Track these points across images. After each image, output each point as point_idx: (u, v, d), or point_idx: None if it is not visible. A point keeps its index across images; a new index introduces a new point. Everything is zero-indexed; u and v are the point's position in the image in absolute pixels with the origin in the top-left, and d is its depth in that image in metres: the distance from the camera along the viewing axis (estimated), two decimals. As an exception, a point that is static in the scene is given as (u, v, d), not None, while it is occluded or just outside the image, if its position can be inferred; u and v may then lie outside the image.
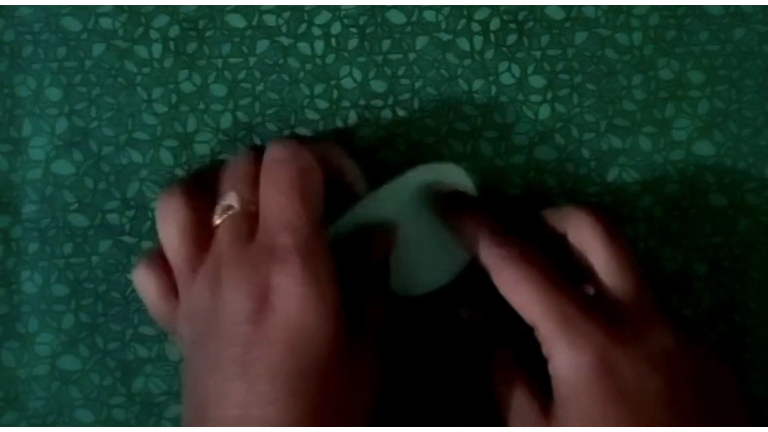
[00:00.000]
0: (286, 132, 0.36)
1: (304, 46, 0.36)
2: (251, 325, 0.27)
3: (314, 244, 0.28)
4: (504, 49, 0.36)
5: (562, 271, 0.30)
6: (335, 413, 0.28)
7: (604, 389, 0.28)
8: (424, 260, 0.34)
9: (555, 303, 0.29)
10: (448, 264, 0.34)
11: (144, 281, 0.31)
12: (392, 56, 0.36)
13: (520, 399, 0.31)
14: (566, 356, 0.29)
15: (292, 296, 0.28)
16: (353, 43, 0.36)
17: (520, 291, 0.30)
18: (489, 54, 0.36)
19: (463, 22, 0.36)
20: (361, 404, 0.29)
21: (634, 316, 0.30)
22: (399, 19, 0.36)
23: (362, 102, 0.36)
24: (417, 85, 0.36)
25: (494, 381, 0.32)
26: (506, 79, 0.36)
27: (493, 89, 0.36)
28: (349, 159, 0.33)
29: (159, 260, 0.31)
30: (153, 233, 0.36)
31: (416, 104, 0.36)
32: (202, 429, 0.27)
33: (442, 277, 0.35)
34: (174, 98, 0.36)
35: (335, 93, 0.36)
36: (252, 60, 0.36)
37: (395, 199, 0.33)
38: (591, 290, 0.31)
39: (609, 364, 0.28)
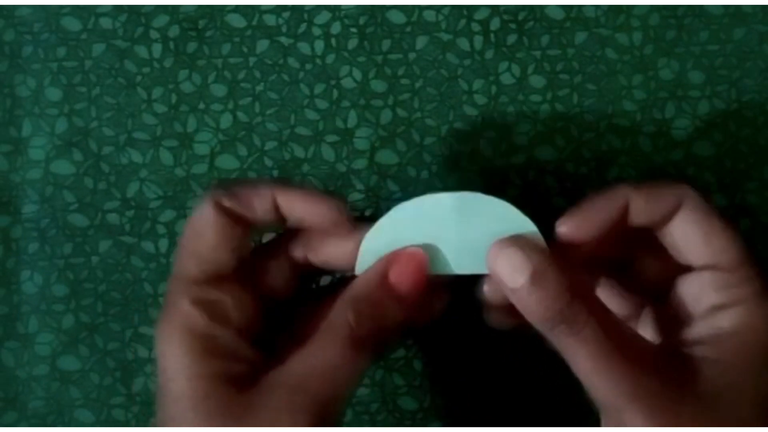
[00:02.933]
0: (287, 132, 0.36)
1: (304, 46, 0.36)
2: None
3: (175, 297, 0.28)
4: (504, 49, 0.36)
5: None
6: None
7: None
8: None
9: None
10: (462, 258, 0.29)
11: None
12: (392, 56, 0.36)
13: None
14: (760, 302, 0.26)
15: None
16: (353, 43, 0.36)
17: (715, 221, 0.28)
18: (489, 54, 0.36)
19: (463, 22, 0.36)
20: None
21: None
22: (399, 19, 0.36)
23: (362, 102, 0.36)
24: (417, 85, 0.36)
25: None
26: (506, 79, 0.36)
27: (493, 89, 0.36)
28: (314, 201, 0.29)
29: None
30: (153, 233, 0.36)
31: (416, 104, 0.36)
32: (197, 429, 0.27)
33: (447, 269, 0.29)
34: (174, 98, 0.36)
35: (335, 93, 0.36)
36: (252, 60, 0.36)
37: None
38: None
39: None
